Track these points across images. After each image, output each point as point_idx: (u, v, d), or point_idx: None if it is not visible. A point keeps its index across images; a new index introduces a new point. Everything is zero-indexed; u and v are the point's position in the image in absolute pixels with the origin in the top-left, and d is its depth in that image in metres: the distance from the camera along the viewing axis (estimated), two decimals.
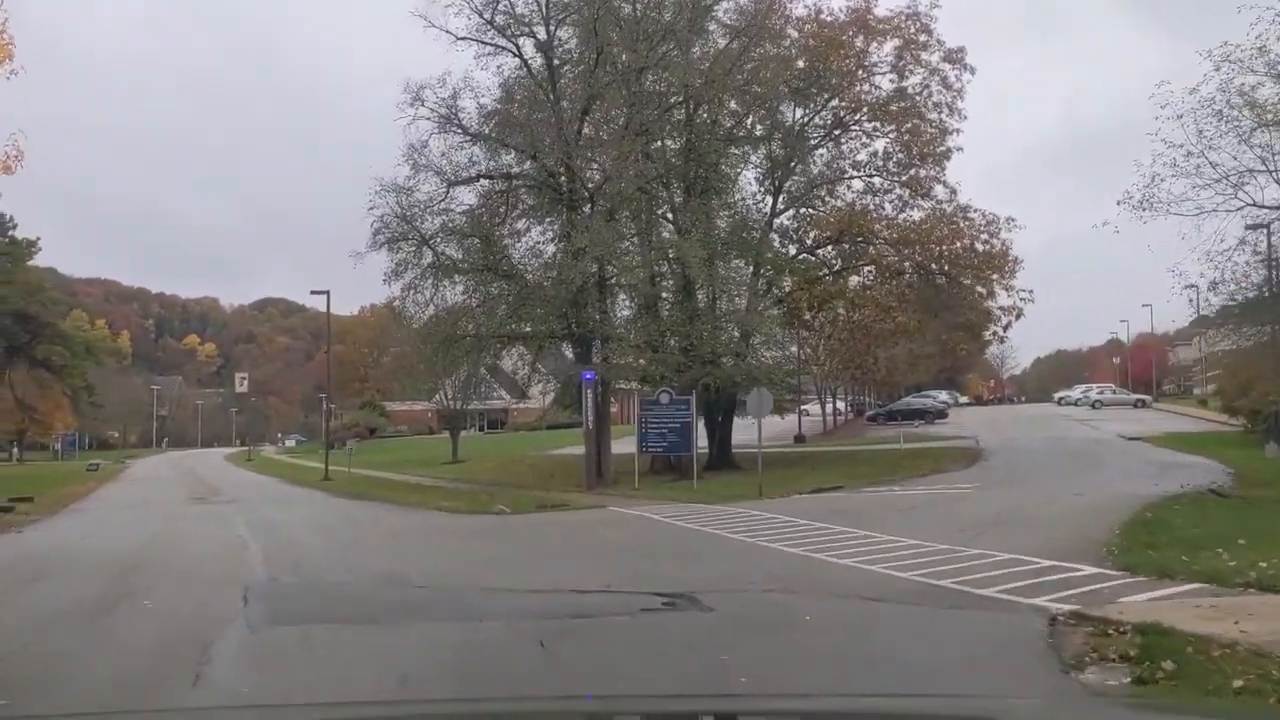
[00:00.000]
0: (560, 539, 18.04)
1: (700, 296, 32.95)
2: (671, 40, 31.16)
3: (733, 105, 34.66)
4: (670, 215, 34.22)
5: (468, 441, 55.42)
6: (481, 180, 33.11)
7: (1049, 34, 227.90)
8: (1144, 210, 22.61)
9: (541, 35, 31.85)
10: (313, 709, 4.70)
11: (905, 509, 19.66)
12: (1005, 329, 37.55)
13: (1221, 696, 5.93)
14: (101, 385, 69.77)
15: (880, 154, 35.41)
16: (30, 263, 62.21)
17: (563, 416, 62.87)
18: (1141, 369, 77.62)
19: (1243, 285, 23.90)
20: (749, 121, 35.60)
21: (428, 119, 30.97)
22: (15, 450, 69.41)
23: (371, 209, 31.15)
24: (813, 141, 35.81)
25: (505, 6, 31.38)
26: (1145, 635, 7.42)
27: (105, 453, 78.27)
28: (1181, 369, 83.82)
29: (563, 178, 31.13)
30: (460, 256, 32.66)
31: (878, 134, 35.20)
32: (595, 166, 32.12)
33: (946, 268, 34.57)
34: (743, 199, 35.96)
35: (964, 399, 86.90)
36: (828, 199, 36.47)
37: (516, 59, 32.37)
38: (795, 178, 35.64)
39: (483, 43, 31.73)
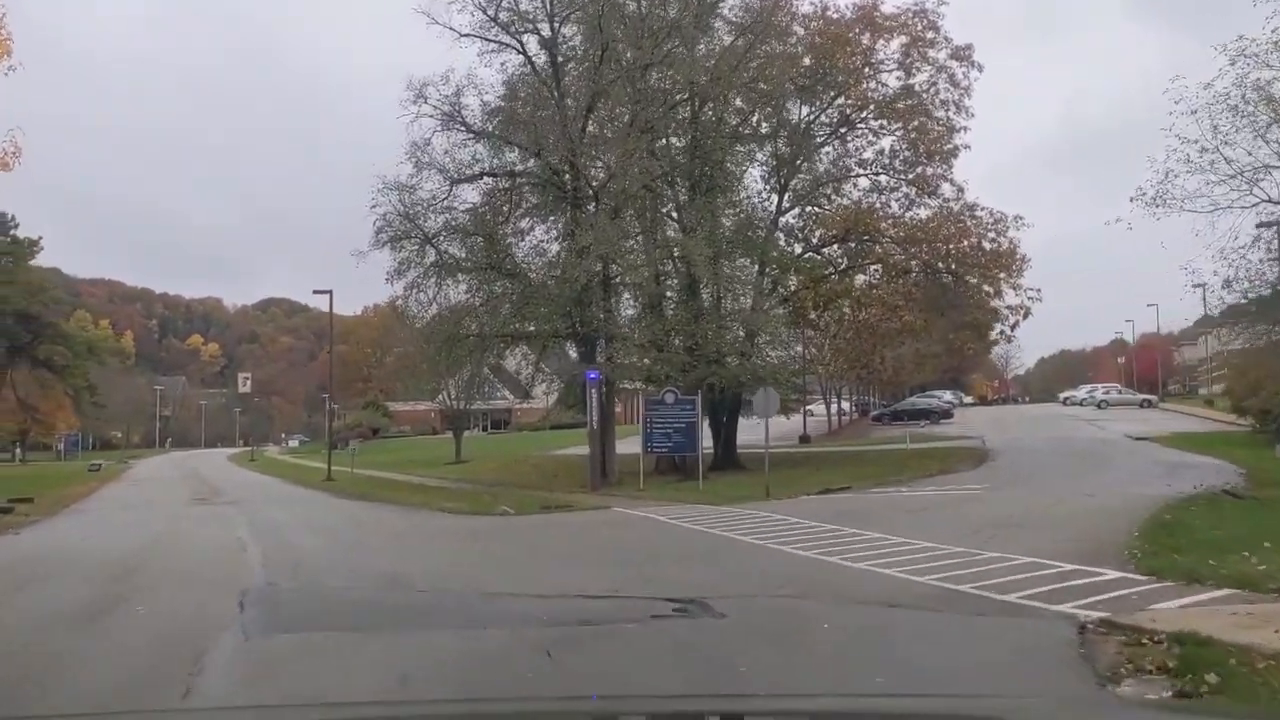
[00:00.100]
0: (565, 541, 17.75)
1: (705, 295, 32.69)
2: (677, 37, 30.88)
3: (738, 103, 34.42)
4: (675, 213, 33.99)
5: (471, 442, 55.12)
6: (485, 178, 32.90)
7: (1049, 34, 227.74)
8: (1158, 207, 22.43)
9: (546, 32, 31.64)
10: (311, 709, 4.60)
11: (915, 510, 19.34)
12: (1013, 328, 37.15)
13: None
14: (105, 385, 69.72)
15: (887, 152, 35.19)
16: (34, 263, 62.28)
17: (566, 416, 62.85)
18: (1146, 369, 77.33)
19: (1256, 283, 23.65)
20: (754, 119, 35.37)
21: (431, 116, 30.81)
22: (18, 450, 69.16)
23: (374, 207, 30.99)
24: (819, 139, 35.55)
25: (509, 3, 31.20)
26: (1183, 645, 7.08)
27: (108, 453, 78.10)
28: (1186, 369, 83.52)
29: (567, 175, 30.90)
30: (463, 255, 32.41)
31: (884, 131, 34.98)
32: (600, 164, 31.91)
33: (953, 266, 34.28)
34: (748, 197, 35.77)
35: (968, 399, 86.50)
36: (834, 197, 36.23)
37: (520, 56, 32.22)
38: (801, 176, 35.36)
39: (486, 40, 31.56)
